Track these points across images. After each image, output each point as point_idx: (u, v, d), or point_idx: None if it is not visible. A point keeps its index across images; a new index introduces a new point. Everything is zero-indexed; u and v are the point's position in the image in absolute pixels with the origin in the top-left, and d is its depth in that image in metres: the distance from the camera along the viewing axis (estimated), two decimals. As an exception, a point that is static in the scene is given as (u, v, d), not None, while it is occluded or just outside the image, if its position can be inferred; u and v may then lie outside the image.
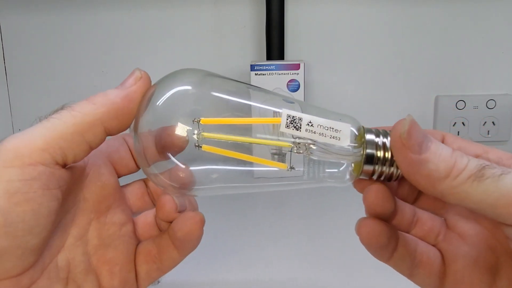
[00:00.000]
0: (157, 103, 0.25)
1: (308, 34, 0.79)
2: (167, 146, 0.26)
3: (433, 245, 0.29)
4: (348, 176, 0.25)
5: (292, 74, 0.65)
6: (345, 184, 0.26)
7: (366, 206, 0.25)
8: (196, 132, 0.24)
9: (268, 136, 0.26)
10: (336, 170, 0.25)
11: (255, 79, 0.65)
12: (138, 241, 0.30)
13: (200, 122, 0.24)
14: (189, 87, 0.26)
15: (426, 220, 0.29)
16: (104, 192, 0.29)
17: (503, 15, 0.78)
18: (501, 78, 0.80)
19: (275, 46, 0.75)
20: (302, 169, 0.25)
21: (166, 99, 0.25)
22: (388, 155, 0.24)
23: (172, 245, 0.28)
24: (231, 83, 0.27)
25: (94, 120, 0.24)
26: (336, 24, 0.79)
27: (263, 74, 0.65)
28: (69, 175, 0.25)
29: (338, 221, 0.52)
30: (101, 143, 0.25)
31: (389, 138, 0.24)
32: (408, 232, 0.28)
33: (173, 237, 0.28)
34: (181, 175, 0.26)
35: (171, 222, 0.28)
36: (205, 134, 0.25)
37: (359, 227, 0.26)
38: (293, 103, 0.26)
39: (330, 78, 0.80)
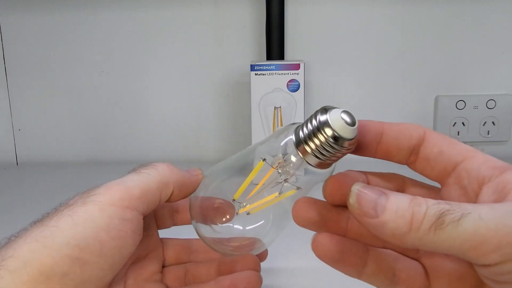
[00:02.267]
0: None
1: (308, 34, 0.79)
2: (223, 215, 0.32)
3: (416, 259, 0.27)
4: (302, 167, 0.28)
5: (292, 74, 0.65)
6: (316, 177, 0.29)
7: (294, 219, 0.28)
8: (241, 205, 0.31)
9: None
10: (307, 165, 0.28)
11: (255, 79, 0.65)
12: None
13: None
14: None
15: None
16: (148, 241, 0.32)
17: (503, 15, 0.78)
18: (501, 78, 0.80)
19: (275, 46, 0.75)
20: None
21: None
22: (310, 128, 0.26)
23: None
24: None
25: (169, 182, 0.29)
26: (336, 24, 0.79)
27: (263, 74, 0.65)
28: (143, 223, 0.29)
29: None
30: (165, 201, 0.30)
31: (313, 121, 0.27)
32: (385, 247, 0.28)
33: (229, 286, 0.31)
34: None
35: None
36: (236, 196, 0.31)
37: (312, 243, 0.26)
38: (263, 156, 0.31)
39: (330, 78, 0.80)
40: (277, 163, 0.29)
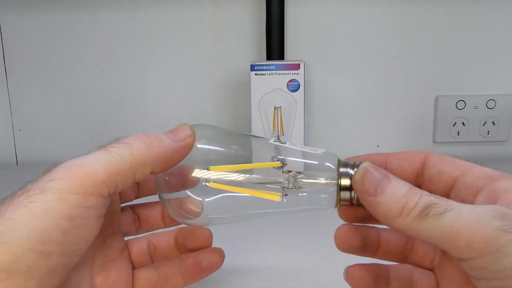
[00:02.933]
0: None
1: (308, 34, 0.79)
2: (184, 181, 0.30)
3: (431, 269, 0.30)
4: (330, 202, 0.30)
5: (292, 74, 0.65)
6: (328, 209, 0.30)
7: (338, 247, 0.30)
8: (206, 174, 0.30)
9: (266, 178, 0.31)
10: (320, 195, 0.30)
11: (255, 79, 0.65)
12: (133, 267, 0.32)
13: (209, 169, 0.30)
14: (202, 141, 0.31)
15: (420, 246, 0.30)
16: (112, 218, 0.31)
17: (503, 15, 0.78)
18: (501, 78, 0.80)
19: (275, 46, 0.75)
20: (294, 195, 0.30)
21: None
22: None
23: (180, 274, 0.32)
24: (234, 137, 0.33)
25: (146, 162, 0.27)
26: (336, 24, 0.79)
27: (263, 74, 0.65)
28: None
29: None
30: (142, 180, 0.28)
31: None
32: (404, 261, 0.30)
33: (192, 266, 0.31)
34: (190, 205, 0.30)
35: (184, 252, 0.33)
36: (212, 168, 0.30)
37: (346, 276, 0.29)
38: (284, 158, 0.31)
39: (330, 78, 0.80)
40: (294, 172, 0.30)
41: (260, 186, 0.30)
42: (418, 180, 0.30)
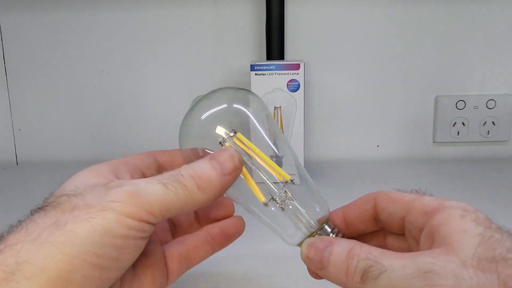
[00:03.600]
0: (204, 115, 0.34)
1: (308, 34, 0.79)
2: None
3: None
4: (292, 239, 0.32)
5: (292, 74, 0.65)
6: (287, 241, 0.32)
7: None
8: (232, 134, 0.32)
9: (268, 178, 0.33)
10: (288, 230, 0.32)
11: (255, 79, 0.65)
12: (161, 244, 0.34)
13: (237, 135, 0.32)
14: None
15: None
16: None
17: (503, 15, 0.78)
18: (501, 78, 0.80)
19: (275, 46, 0.75)
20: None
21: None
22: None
23: (208, 244, 0.34)
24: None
25: (196, 204, 0.29)
26: (336, 24, 0.79)
27: (263, 74, 0.65)
28: None
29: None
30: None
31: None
32: None
33: (220, 235, 0.34)
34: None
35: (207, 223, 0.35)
36: (239, 135, 0.32)
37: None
38: (296, 177, 0.33)
39: (330, 78, 0.80)
40: (290, 195, 0.31)
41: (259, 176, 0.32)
42: (379, 224, 0.31)
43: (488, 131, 0.79)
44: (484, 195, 0.63)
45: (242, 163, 0.30)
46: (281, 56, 0.75)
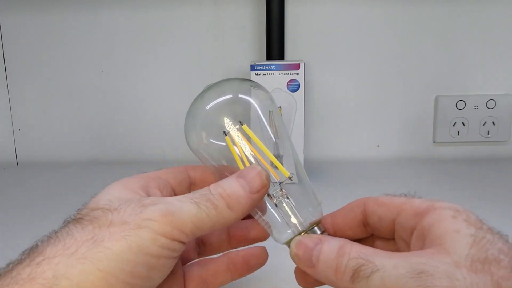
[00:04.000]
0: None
1: (308, 34, 0.79)
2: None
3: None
4: (281, 237, 0.32)
5: (292, 74, 0.65)
6: (276, 239, 0.32)
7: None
8: (237, 126, 0.33)
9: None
10: (279, 227, 0.32)
11: (255, 79, 0.65)
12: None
13: (242, 126, 0.33)
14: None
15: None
16: None
17: (503, 15, 0.78)
18: (501, 78, 0.80)
19: (275, 46, 0.75)
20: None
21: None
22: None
23: (228, 271, 0.34)
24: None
25: (226, 223, 0.29)
26: (336, 24, 0.79)
27: (263, 74, 0.65)
28: None
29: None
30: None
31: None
32: None
33: (242, 264, 0.34)
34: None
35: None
36: (245, 127, 0.33)
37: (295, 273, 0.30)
38: (294, 175, 0.33)
39: (330, 78, 0.80)
40: (284, 193, 0.32)
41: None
42: (367, 229, 0.31)
43: (488, 131, 0.79)
44: (484, 195, 0.63)
45: (270, 180, 0.31)
46: (281, 56, 0.75)
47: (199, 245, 0.36)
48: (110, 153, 0.84)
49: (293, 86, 0.65)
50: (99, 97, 0.83)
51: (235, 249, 0.35)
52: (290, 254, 0.29)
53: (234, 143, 0.33)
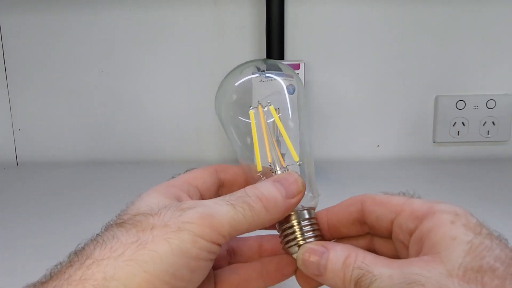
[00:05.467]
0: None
1: (308, 34, 0.79)
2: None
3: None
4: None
5: (291, 80, 0.65)
6: None
7: None
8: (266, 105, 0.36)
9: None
10: None
11: (255, 79, 0.65)
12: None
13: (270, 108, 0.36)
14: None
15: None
16: None
17: (503, 15, 0.78)
18: (501, 78, 0.80)
19: (275, 46, 0.75)
20: None
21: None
22: (297, 234, 0.31)
23: (261, 278, 0.34)
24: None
25: (261, 225, 0.30)
26: (336, 24, 0.79)
27: (263, 74, 0.65)
28: None
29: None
30: None
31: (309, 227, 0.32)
32: None
33: (275, 271, 0.33)
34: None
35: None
36: (271, 108, 0.36)
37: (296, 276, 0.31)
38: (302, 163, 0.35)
39: (330, 78, 0.80)
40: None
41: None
42: (363, 227, 0.31)
43: (488, 131, 0.79)
44: (484, 195, 0.63)
45: (305, 187, 0.31)
46: (281, 56, 0.75)
47: (230, 254, 0.36)
48: (110, 153, 0.84)
49: (293, 87, 0.65)
50: (99, 97, 0.83)
51: (269, 256, 0.35)
52: (297, 263, 0.29)
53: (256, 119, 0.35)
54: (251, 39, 0.79)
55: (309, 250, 0.29)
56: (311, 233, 0.31)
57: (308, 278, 0.30)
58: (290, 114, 0.37)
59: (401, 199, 0.29)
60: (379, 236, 0.31)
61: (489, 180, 0.70)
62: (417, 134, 0.82)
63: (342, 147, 0.82)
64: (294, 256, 0.31)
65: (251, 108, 0.35)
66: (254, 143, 0.34)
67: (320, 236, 0.31)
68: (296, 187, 0.30)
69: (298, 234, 0.31)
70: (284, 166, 0.33)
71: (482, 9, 0.77)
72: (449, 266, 0.23)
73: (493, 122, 0.79)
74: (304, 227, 0.31)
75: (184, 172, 0.34)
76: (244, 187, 0.33)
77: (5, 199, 0.67)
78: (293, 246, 0.31)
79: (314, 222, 0.32)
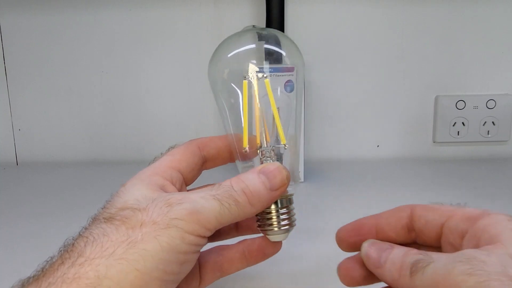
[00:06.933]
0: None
1: (308, 34, 0.79)
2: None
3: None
4: None
5: (289, 76, 0.65)
6: None
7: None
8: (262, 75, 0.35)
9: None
10: None
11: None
12: None
13: (265, 79, 0.36)
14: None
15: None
16: None
17: (503, 15, 0.77)
18: (501, 78, 0.80)
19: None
20: None
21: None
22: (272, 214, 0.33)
23: (244, 258, 0.35)
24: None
25: (246, 216, 0.31)
26: (336, 24, 0.79)
27: (263, 74, 0.65)
28: None
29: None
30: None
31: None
32: None
33: (257, 251, 0.35)
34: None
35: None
36: (266, 81, 0.35)
37: (340, 273, 0.31)
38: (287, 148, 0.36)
39: (330, 78, 0.80)
40: (272, 155, 0.35)
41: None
42: (411, 234, 0.31)
43: (488, 131, 0.79)
44: (484, 195, 0.63)
45: (290, 179, 0.32)
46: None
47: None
48: (110, 153, 0.84)
49: (291, 87, 0.65)
50: (99, 97, 0.83)
51: (251, 237, 0.36)
52: (361, 253, 0.30)
53: (249, 90, 0.35)
54: (251, 39, 0.79)
55: (375, 244, 0.29)
56: (286, 221, 0.33)
57: (352, 274, 0.31)
58: (286, 97, 0.38)
59: (451, 207, 0.29)
60: (425, 244, 0.31)
61: (489, 180, 0.70)
62: (417, 134, 0.82)
63: (342, 147, 0.82)
64: (268, 238, 0.34)
65: (245, 78, 0.35)
66: (244, 116, 0.34)
67: (295, 222, 0.34)
68: (280, 180, 0.31)
69: (274, 220, 0.33)
70: (270, 145, 0.34)
71: (482, 9, 0.77)
72: (511, 250, 0.23)
73: (493, 122, 0.79)
74: (282, 214, 0.33)
75: (167, 151, 0.35)
76: (228, 160, 0.36)
77: (5, 199, 0.67)
78: (269, 230, 0.33)
79: (292, 208, 0.33)
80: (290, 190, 0.33)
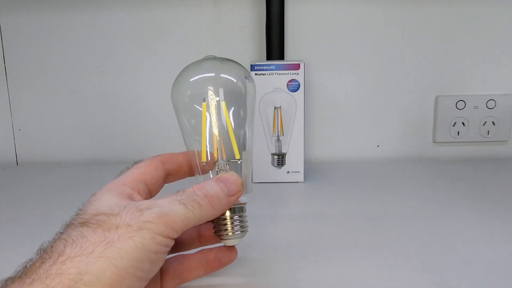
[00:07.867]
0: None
1: (308, 34, 0.79)
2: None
3: None
4: None
5: (292, 74, 0.65)
6: None
7: None
8: (218, 98, 0.40)
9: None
10: None
11: (255, 79, 0.65)
12: None
13: (222, 103, 0.40)
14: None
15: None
16: None
17: (503, 15, 0.78)
18: (501, 78, 0.80)
19: (275, 46, 0.75)
20: None
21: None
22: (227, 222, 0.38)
23: (202, 266, 0.39)
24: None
25: (207, 218, 0.35)
26: (336, 24, 0.79)
27: (263, 74, 0.65)
28: None
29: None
30: None
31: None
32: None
33: (214, 260, 0.39)
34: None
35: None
36: (223, 104, 0.40)
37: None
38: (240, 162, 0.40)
39: (330, 78, 0.80)
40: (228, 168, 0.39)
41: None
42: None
43: (488, 131, 0.79)
44: (484, 195, 0.63)
45: (244, 186, 0.37)
46: (281, 56, 0.75)
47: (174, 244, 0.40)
48: (110, 153, 0.84)
49: (293, 86, 0.65)
50: (99, 97, 0.83)
51: (209, 247, 0.40)
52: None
53: (208, 111, 0.39)
54: (251, 39, 0.79)
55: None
56: (239, 227, 0.37)
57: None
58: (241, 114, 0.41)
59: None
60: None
61: (489, 180, 0.70)
62: (417, 134, 0.82)
63: (342, 147, 0.82)
64: (223, 243, 0.38)
65: (204, 100, 0.39)
66: (202, 134, 0.38)
67: (247, 228, 0.38)
68: (236, 186, 0.36)
69: (229, 226, 0.37)
70: (225, 160, 0.38)
71: (482, 9, 0.77)
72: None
73: (493, 122, 0.79)
74: (235, 221, 0.37)
75: (133, 165, 0.39)
76: (188, 174, 0.41)
77: (5, 199, 0.67)
78: (224, 235, 0.37)
79: (244, 216, 0.38)
80: (242, 199, 0.37)
